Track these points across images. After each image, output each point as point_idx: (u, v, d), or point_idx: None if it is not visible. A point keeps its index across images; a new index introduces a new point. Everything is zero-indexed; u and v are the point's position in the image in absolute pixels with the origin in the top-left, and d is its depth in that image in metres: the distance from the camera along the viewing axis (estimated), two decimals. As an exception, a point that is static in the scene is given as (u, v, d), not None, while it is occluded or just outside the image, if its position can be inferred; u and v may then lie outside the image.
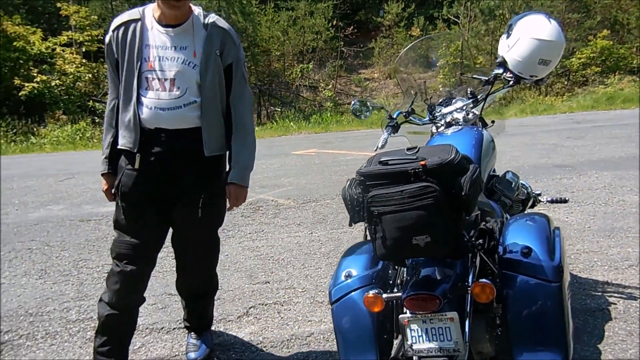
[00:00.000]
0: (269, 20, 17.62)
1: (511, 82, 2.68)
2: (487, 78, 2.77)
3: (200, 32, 1.98)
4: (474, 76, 2.87)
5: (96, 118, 13.73)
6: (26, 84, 13.09)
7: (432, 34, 3.12)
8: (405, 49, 3.00)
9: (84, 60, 15.02)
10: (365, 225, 1.63)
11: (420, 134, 3.00)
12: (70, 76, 14.33)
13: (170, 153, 2.01)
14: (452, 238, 1.52)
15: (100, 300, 2.12)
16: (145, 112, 1.96)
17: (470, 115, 2.83)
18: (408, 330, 1.56)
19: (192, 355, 2.37)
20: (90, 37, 15.19)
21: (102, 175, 2.12)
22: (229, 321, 2.80)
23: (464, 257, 1.68)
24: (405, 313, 1.57)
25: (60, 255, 3.87)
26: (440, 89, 3.13)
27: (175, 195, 2.06)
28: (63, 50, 14.78)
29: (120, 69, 1.99)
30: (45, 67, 14.33)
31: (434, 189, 1.46)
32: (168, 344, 2.60)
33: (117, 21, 2.00)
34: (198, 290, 2.38)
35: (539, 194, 2.86)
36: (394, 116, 2.84)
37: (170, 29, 1.96)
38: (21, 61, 13.97)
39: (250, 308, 2.93)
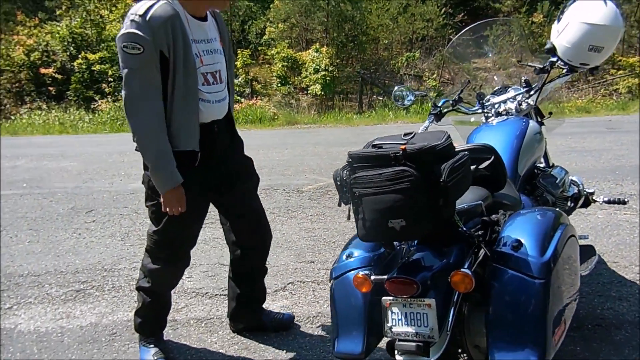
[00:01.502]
0: (379, 8, 17.50)
1: (565, 71, 2.49)
2: (541, 66, 2.60)
3: (211, 19, 2.06)
4: (530, 64, 2.71)
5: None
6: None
7: (488, 20, 2.96)
8: (458, 34, 2.91)
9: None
10: (350, 206, 1.68)
11: (470, 124, 2.91)
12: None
13: (222, 140, 2.13)
14: (427, 224, 1.52)
15: (146, 289, 2.27)
16: (205, 107, 2.00)
17: (524, 106, 2.70)
18: (389, 313, 1.58)
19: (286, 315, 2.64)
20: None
21: (179, 185, 1.96)
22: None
23: (456, 244, 1.66)
24: (389, 296, 1.60)
25: (143, 222, 4.34)
26: (496, 78, 2.99)
27: (231, 176, 2.19)
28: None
29: (173, 68, 1.87)
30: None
31: (410, 174, 1.45)
32: (207, 307, 2.85)
33: (158, 15, 1.82)
34: (264, 261, 2.50)
35: (592, 193, 2.63)
36: (439, 104, 2.79)
37: (203, 23, 1.99)
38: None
39: (288, 284, 3.09)
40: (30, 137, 11.16)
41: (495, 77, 2.98)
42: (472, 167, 2.01)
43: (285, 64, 15.30)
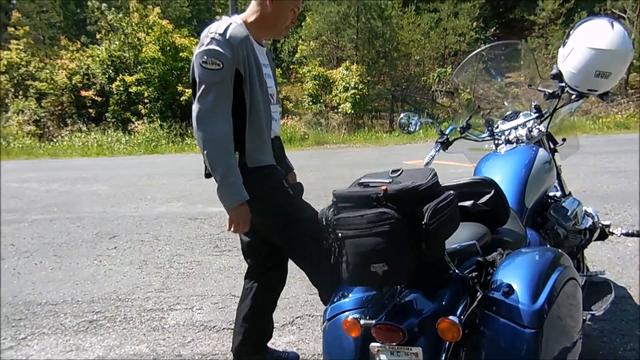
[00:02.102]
0: (410, 23, 17.43)
1: (574, 97, 2.38)
2: (551, 91, 2.49)
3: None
4: (540, 88, 2.60)
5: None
6: (186, 90, 14.85)
7: (497, 43, 2.87)
8: (466, 59, 2.83)
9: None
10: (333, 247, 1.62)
11: (482, 151, 2.81)
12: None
13: (282, 156, 2.22)
14: (410, 268, 1.45)
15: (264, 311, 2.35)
16: (274, 125, 2.10)
17: (535, 132, 2.58)
18: None
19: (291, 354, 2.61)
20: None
21: (245, 203, 1.95)
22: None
23: (449, 287, 1.58)
24: (377, 342, 1.54)
25: (162, 249, 4.40)
26: (505, 103, 2.89)
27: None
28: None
29: (249, 85, 1.93)
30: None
31: (391, 216, 1.40)
32: (214, 342, 2.83)
33: (235, 35, 1.89)
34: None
35: (608, 225, 2.48)
36: (446, 132, 2.72)
37: (262, 48, 2.09)
38: (185, 69, 15.92)
39: (297, 318, 3.04)
40: (69, 159, 11.60)
41: (505, 102, 2.88)
42: (470, 202, 1.93)
43: (317, 82, 15.42)
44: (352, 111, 14.36)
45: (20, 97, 15.60)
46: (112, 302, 3.38)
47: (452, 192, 1.52)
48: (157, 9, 15.91)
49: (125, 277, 3.82)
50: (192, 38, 16.31)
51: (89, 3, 17.75)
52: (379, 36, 16.42)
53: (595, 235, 2.45)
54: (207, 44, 1.85)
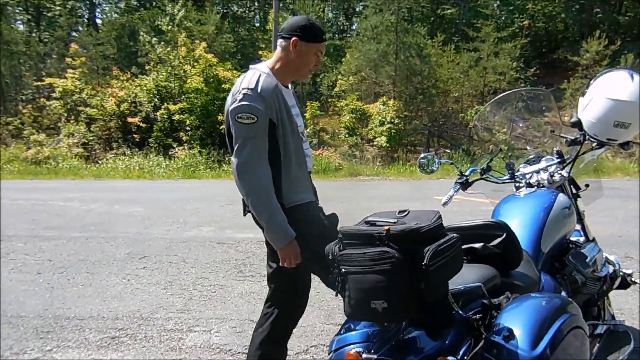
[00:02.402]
0: (449, 61, 17.52)
1: (594, 145, 2.37)
2: (573, 138, 2.50)
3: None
4: (562, 134, 2.60)
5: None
6: (226, 120, 15.29)
7: (518, 89, 2.91)
8: (489, 102, 2.87)
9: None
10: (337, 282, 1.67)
11: (503, 192, 2.82)
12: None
13: (314, 190, 2.32)
14: (409, 307, 1.48)
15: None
16: (308, 162, 2.24)
17: (557, 177, 2.58)
18: None
19: None
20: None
21: (293, 240, 2.09)
22: (287, 355, 2.95)
23: (454, 327, 1.59)
24: None
25: (188, 272, 4.51)
26: (528, 148, 2.90)
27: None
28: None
29: (282, 132, 2.07)
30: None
31: (391, 255, 1.44)
32: (227, 365, 2.87)
33: (266, 87, 2.02)
34: None
35: (630, 274, 2.41)
36: (466, 173, 2.74)
37: (288, 90, 2.23)
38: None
39: (311, 346, 3.05)
40: (111, 180, 12.08)
41: (527, 146, 2.89)
42: (480, 244, 1.94)
43: (354, 115, 15.62)
44: (387, 145, 14.41)
45: (72, 121, 16.44)
46: (135, 320, 3.49)
47: (455, 235, 1.55)
48: (204, 44, 16.58)
49: (150, 297, 3.93)
50: (234, 71, 16.91)
51: (140, 37, 18.76)
52: (417, 73, 16.54)
53: (617, 283, 2.39)
54: (241, 100, 1.98)
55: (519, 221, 2.29)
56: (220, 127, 15.33)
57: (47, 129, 16.83)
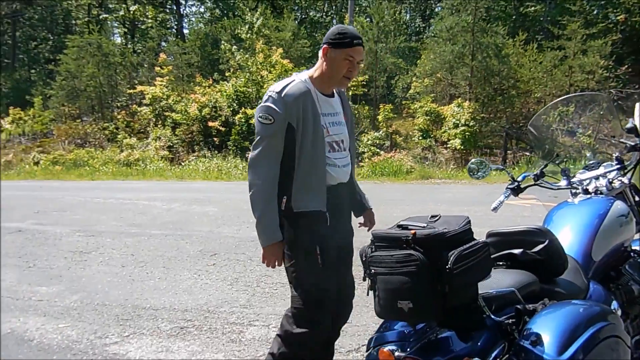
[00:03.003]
0: (531, 61, 16.74)
1: None
2: (633, 144, 2.40)
3: (337, 97, 2.35)
4: (621, 140, 2.50)
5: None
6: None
7: (575, 94, 2.81)
8: (544, 107, 2.80)
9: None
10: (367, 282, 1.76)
11: (559, 198, 2.75)
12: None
13: (346, 202, 2.39)
14: (434, 308, 1.54)
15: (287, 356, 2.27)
16: (334, 171, 2.24)
17: (617, 184, 2.50)
18: None
19: None
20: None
21: (277, 243, 2.18)
22: (339, 352, 3.06)
23: (486, 330, 1.63)
24: None
25: (254, 269, 4.75)
26: (586, 154, 2.80)
27: (349, 234, 2.41)
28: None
29: (301, 137, 2.14)
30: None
31: (416, 258, 1.52)
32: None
33: (291, 93, 2.13)
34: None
35: None
36: (518, 179, 2.71)
37: (331, 99, 2.29)
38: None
39: (362, 345, 3.13)
40: (192, 181, 12.84)
41: (587, 153, 2.79)
42: (519, 250, 1.94)
43: (428, 117, 15.39)
44: (462, 147, 14.05)
45: (159, 125, 17.67)
46: (202, 313, 3.76)
47: (482, 240, 1.59)
48: (280, 50, 17.13)
49: (217, 292, 4.21)
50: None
51: (222, 45, 19.70)
52: (495, 74, 15.98)
53: None
54: (265, 101, 2.14)
55: (570, 228, 2.24)
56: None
57: (137, 133, 18.23)
